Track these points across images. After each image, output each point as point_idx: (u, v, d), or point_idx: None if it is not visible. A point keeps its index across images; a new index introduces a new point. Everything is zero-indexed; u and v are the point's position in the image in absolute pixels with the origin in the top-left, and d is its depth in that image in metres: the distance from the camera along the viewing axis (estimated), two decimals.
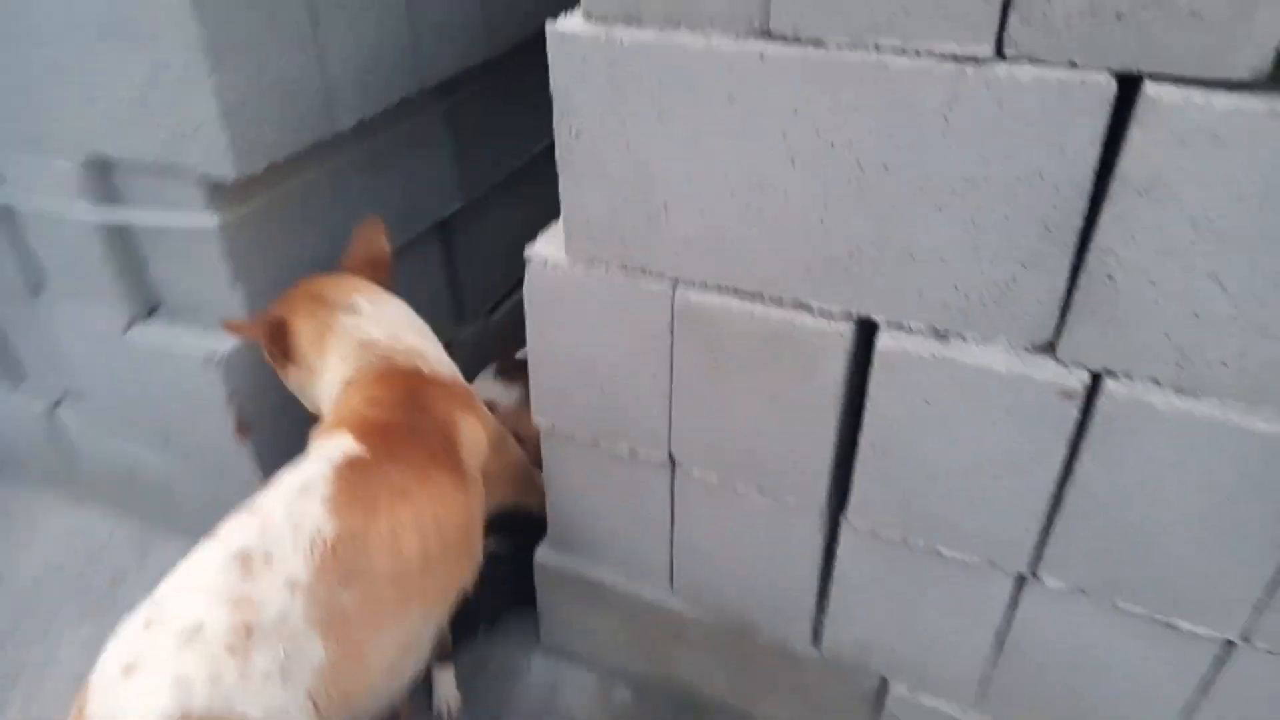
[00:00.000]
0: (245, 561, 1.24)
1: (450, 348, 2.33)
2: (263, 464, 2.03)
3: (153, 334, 1.96)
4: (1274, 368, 1.07)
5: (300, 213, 1.93)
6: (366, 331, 1.62)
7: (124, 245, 1.90)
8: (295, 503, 1.32)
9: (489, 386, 2.31)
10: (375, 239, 1.80)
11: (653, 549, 1.75)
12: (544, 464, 1.79)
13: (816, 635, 1.68)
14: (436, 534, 1.40)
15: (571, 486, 1.78)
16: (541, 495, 1.83)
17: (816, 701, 1.75)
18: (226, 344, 1.89)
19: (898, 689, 1.64)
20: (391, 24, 1.96)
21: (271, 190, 1.83)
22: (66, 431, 2.36)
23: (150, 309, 1.99)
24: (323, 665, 1.24)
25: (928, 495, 1.37)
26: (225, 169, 1.67)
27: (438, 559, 1.41)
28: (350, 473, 1.37)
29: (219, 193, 1.74)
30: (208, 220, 1.76)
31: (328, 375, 1.62)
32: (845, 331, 1.30)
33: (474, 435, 1.58)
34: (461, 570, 1.53)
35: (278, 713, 1.19)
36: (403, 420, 1.48)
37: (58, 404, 2.34)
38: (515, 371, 2.32)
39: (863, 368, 1.33)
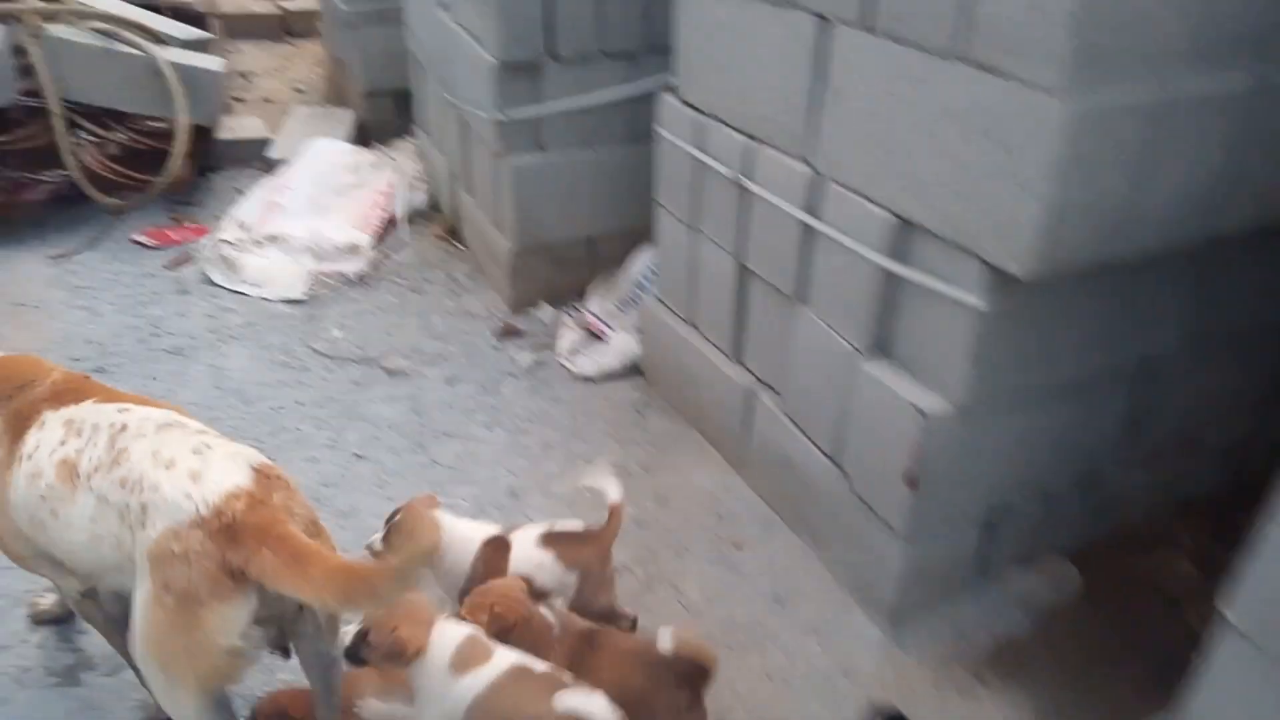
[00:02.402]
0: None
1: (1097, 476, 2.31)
2: (914, 520, 2.23)
3: (880, 368, 2.26)
4: None
5: (1056, 319, 2.06)
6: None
7: (890, 291, 2.21)
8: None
9: (529, 550, 2.18)
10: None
11: None
12: None
13: None
14: None
15: None
16: None
17: None
18: (937, 405, 2.11)
19: None
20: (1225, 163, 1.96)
21: (1037, 294, 1.98)
22: (754, 410, 2.83)
23: (883, 347, 2.29)
24: None
25: None
26: (1019, 268, 1.85)
27: None
28: None
29: (998, 283, 1.94)
30: (976, 301, 1.97)
31: None
32: None
33: None
34: None
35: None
36: None
37: (759, 386, 2.82)
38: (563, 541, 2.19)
39: None
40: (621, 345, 3.56)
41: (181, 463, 1.64)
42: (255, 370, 3.43)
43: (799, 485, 2.65)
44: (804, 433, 2.61)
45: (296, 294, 3.86)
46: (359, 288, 3.98)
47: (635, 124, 3.48)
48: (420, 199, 4.57)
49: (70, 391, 1.87)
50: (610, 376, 3.52)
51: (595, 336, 3.66)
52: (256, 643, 1.68)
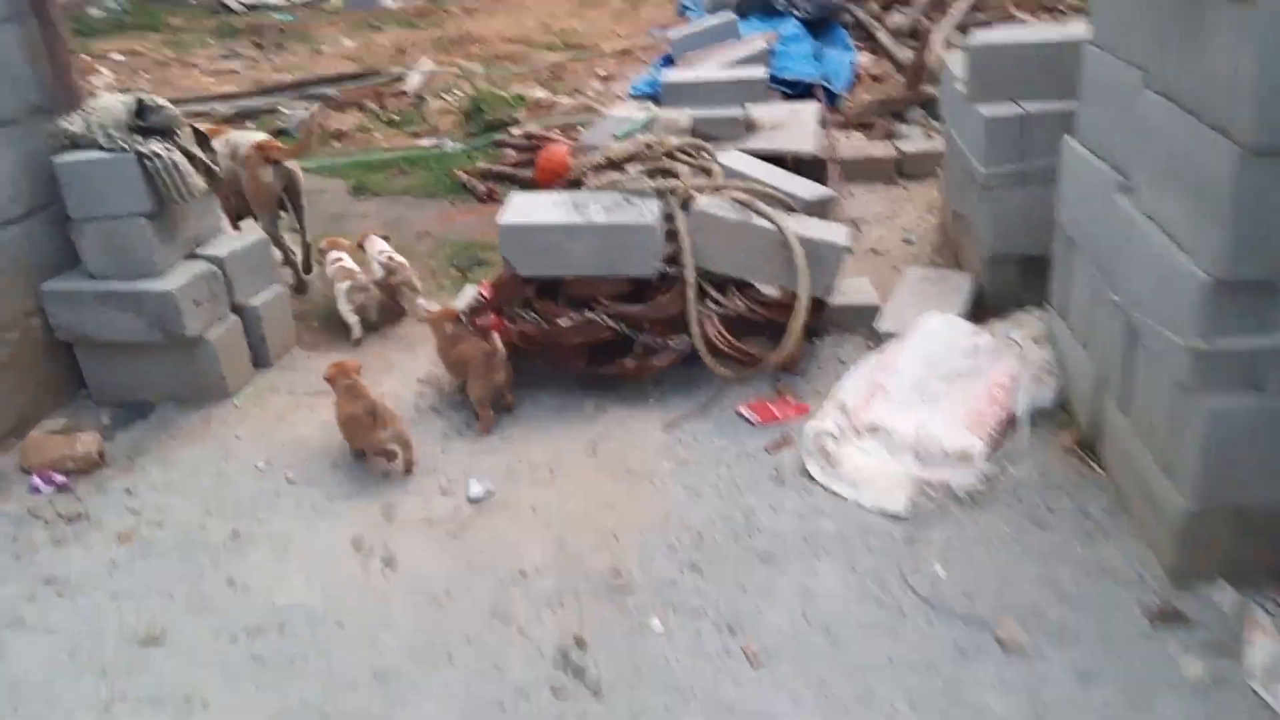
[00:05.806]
0: None
1: None
2: None
3: None
4: None
5: None
6: None
7: None
8: None
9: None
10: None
11: None
12: None
13: None
14: None
15: None
16: None
17: None
18: None
19: None
20: None
21: None
22: None
23: None
24: None
25: None
26: None
27: None
28: None
29: None
30: None
31: None
32: None
33: None
34: None
35: None
36: None
37: None
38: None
39: None
40: None
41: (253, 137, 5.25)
42: (846, 601, 3.03)
43: None
44: None
45: (896, 506, 3.40)
46: (967, 508, 3.39)
47: None
48: (1047, 396, 3.84)
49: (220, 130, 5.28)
50: None
51: None
52: (275, 187, 5.07)
